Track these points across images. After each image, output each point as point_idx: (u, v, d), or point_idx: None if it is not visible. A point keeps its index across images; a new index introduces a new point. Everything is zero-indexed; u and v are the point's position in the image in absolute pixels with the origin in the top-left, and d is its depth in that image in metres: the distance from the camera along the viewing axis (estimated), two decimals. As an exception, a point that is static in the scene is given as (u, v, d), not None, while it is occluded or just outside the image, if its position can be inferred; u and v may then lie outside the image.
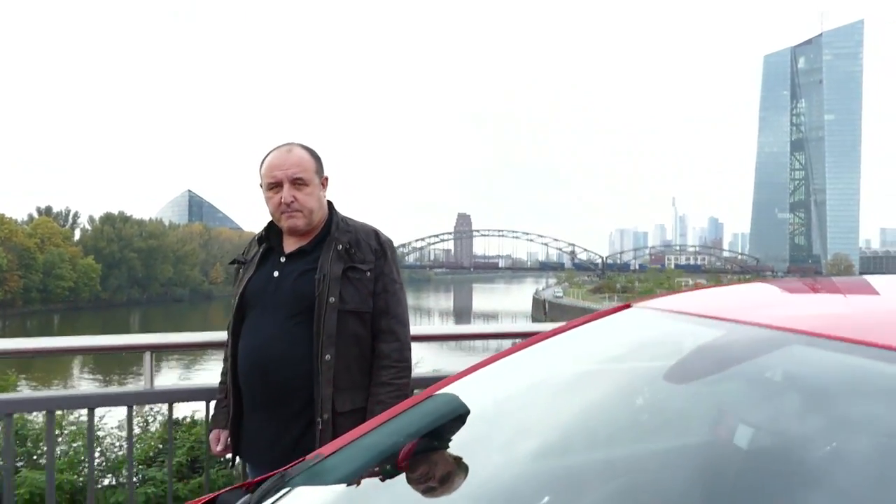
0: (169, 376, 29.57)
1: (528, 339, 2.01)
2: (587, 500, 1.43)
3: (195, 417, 5.98)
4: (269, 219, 2.54)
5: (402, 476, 1.61)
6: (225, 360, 2.58)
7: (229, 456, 2.63)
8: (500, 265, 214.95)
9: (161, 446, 5.57)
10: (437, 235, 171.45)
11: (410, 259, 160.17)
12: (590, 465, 1.57)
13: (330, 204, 2.57)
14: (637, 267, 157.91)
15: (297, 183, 2.43)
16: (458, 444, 1.70)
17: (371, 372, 2.44)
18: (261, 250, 2.54)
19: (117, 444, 5.50)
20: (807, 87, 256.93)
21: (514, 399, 1.90)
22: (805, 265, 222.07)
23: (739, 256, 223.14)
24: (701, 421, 1.54)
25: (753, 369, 1.49)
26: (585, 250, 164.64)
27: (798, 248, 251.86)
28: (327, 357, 2.33)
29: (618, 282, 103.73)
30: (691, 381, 1.61)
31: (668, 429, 1.58)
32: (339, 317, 2.36)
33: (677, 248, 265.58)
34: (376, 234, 2.55)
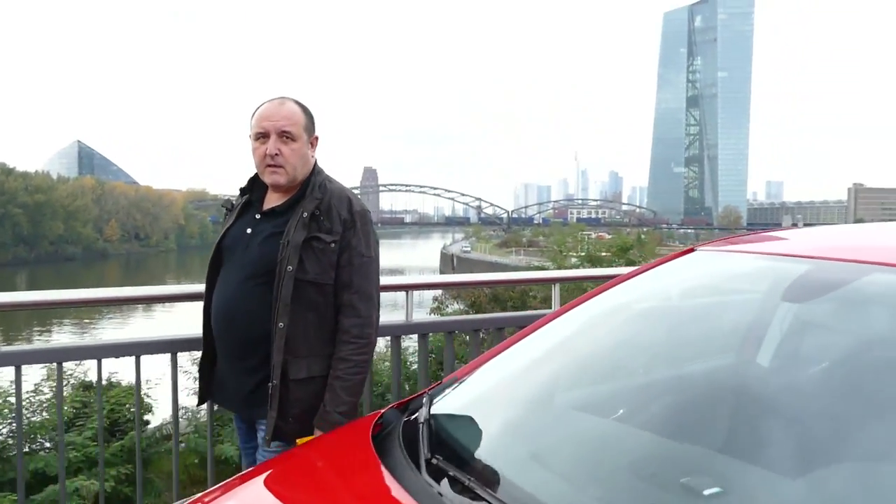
0: (60, 336, 28.25)
1: (605, 282, 2.26)
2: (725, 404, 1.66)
3: (112, 380, 5.84)
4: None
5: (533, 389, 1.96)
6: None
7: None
8: (406, 220, 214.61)
9: (76, 410, 5.41)
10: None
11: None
12: (724, 371, 1.85)
13: (316, 165, 2.50)
14: (541, 221, 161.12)
15: (285, 136, 2.38)
16: (577, 363, 2.02)
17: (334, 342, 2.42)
18: (242, 201, 2.50)
19: (30, 408, 5.32)
20: (702, 45, 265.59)
21: (623, 328, 2.15)
22: (698, 217, 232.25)
23: (638, 209, 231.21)
24: (795, 319, 1.80)
25: (842, 294, 1.70)
26: (491, 205, 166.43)
27: (692, 200, 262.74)
28: (280, 325, 2.31)
29: (524, 236, 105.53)
30: (794, 301, 1.84)
31: (788, 342, 1.80)
32: (295, 286, 2.31)
33: (579, 201, 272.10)
34: (349, 202, 2.44)
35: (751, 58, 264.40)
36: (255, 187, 2.51)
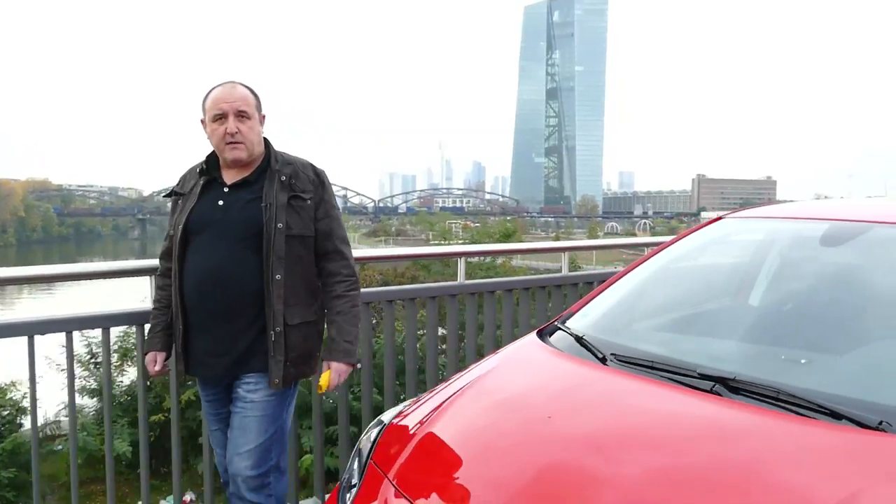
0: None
1: (649, 249, 3.26)
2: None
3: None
4: (207, 152, 2.71)
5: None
6: (162, 288, 2.77)
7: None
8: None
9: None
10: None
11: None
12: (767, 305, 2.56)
13: (266, 140, 2.74)
14: (406, 210, 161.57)
15: (242, 116, 2.61)
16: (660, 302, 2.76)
17: (322, 289, 2.74)
18: (202, 182, 2.68)
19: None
20: (561, 39, 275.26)
21: (692, 275, 2.93)
22: (557, 206, 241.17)
23: (501, 198, 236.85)
24: (830, 258, 2.48)
25: (854, 241, 2.41)
26: (357, 194, 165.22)
27: (552, 190, 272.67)
28: (277, 276, 2.56)
29: (392, 225, 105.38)
30: (829, 246, 2.48)
31: (820, 262, 2.53)
32: (286, 240, 2.58)
33: (444, 191, 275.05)
34: (312, 166, 2.76)
35: (605, 53, 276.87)
36: (209, 167, 2.70)
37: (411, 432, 2.11)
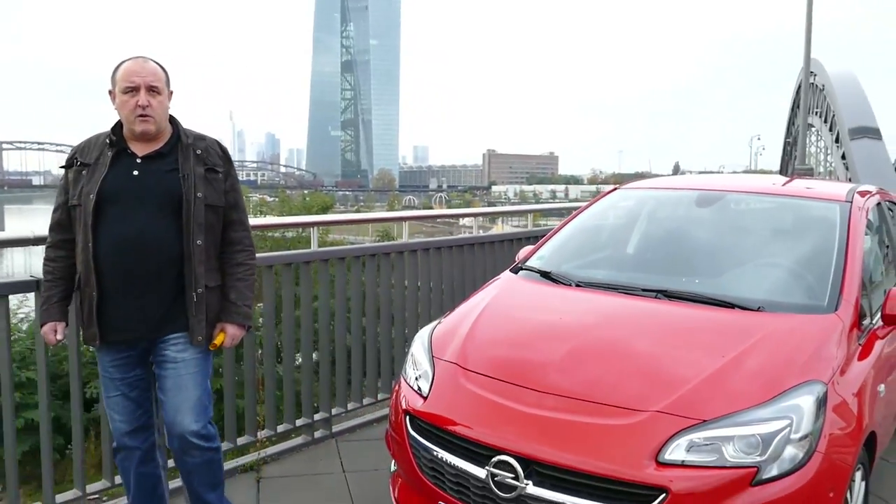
0: None
1: (570, 212, 4.42)
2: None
3: None
4: (111, 124, 2.75)
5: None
6: (55, 260, 2.77)
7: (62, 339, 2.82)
8: (34, 183, 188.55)
9: None
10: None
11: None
12: (676, 234, 3.74)
13: (172, 115, 2.84)
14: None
15: (152, 90, 2.69)
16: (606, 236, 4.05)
17: (222, 256, 2.87)
18: (110, 153, 2.71)
19: None
20: (355, 11, 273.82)
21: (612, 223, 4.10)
22: (354, 179, 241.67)
23: (297, 172, 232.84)
24: (704, 214, 3.72)
25: (715, 203, 3.74)
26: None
27: (349, 163, 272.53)
28: (198, 242, 2.72)
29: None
30: (701, 207, 3.75)
31: (697, 218, 3.75)
32: (204, 209, 2.74)
33: (236, 163, 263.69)
34: (219, 143, 2.92)
35: (399, 28, 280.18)
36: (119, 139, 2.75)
37: (457, 334, 3.01)
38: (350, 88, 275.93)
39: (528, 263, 3.63)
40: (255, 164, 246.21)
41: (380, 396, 4.60)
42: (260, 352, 4.05)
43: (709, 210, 3.72)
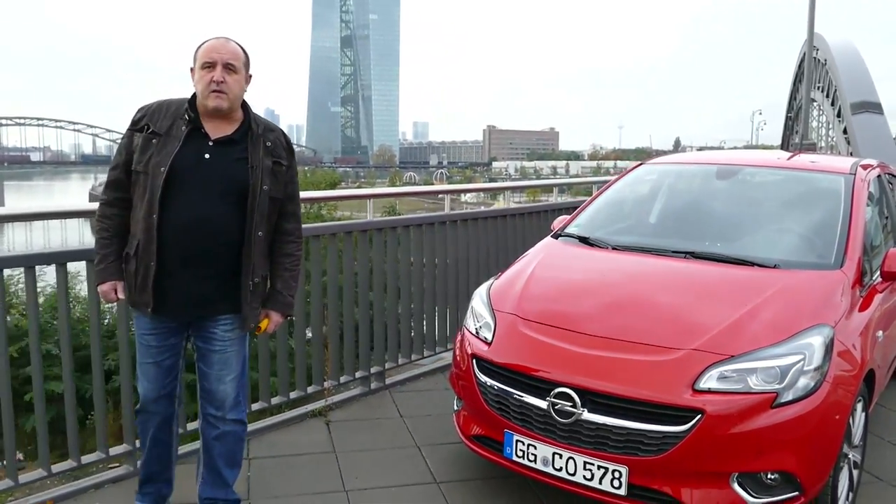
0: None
1: (602, 185, 4.84)
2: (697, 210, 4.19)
3: None
4: (187, 99, 2.79)
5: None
6: (110, 217, 2.79)
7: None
8: (33, 159, 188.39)
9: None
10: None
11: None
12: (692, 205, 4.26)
13: (245, 101, 2.87)
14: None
15: (229, 68, 2.74)
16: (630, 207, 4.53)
17: (273, 245, 2.91)
18: (186, 129, 2.74)
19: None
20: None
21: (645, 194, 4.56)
22: (354, 156, 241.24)
23: (297, 148, 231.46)
24: (723, 186, 4.25)
25: (733, 176, 4.29)
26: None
27: (349, 139, 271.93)
28: (259, 234, 2.79)
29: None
30: (721, 179, 4.28)
31: (717, 189, 4.25)
32: (268, 202, 2.81)
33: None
34: (284, 134, 2.98)
35: (399, 2, 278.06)
36: (196, 116, 2.79)
37: (513, 290, 3.48)
38: (350, 64, 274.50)
39: (567, 231, 4.09)
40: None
41: (425, 353, 5.08)
42: (326, 312, 4.50)
43: (727, 182, 4.20)
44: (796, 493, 2.75)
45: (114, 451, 3.53)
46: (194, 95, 2.78)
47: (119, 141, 2.89)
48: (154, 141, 2.72)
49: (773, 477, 2.73)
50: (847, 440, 3.01)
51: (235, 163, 2.77)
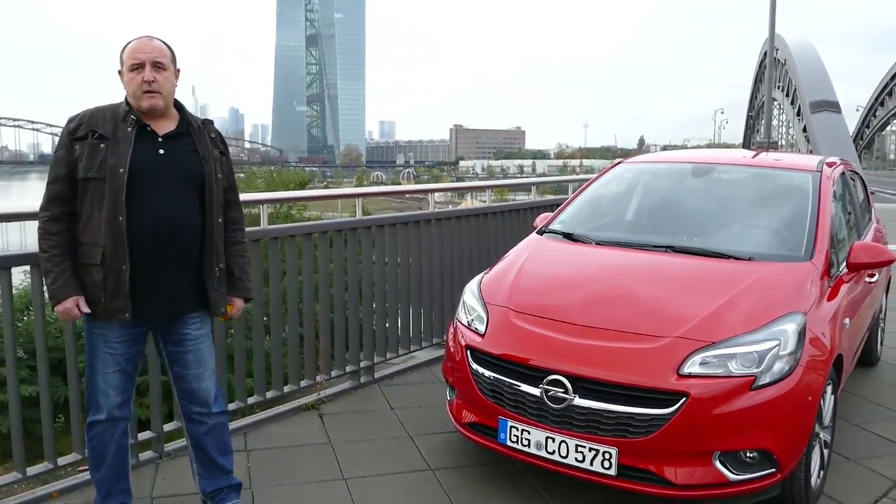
0: None
1: (582, 183, 5.04)
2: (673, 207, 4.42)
3: None
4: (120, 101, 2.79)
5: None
6: (58, 234, 2.71)
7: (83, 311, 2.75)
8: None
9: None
10: None
11: None
12: (669, 201, 4.48)
13: (175, 98, 2.90)
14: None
15: (158, 66, 2.75)
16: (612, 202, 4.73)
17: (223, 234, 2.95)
18: (133, 130, 2.73)
19: None
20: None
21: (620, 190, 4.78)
22: (320, 155, 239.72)
23: (262, 147, 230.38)
24: (698, 184, 4.48)
25: (708, 174, 4.53)
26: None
27: (315, 139, 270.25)
28: (219, 220, 2.89)
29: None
30: (696, 177, 4.51)
31: (692, 186, 4.48)
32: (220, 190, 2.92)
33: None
34: (213, 124, 3.04)
35: (364, 1, 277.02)
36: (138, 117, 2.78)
37: (504, 284, 3.64)
38: (315, 63, 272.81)
39: (552, 227, 4.26)
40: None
41: (412, 348, 5.22)
42: (317, 307, 4.62)
43: (703, 180, 4.41)
44: (773, 469, 2.94)
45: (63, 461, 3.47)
46: (126, 99, 2.78)
47: (54, 154, 2.82)
48: (102, 146, 2.69)
49: (752, 455, 2.93)
50: (819, 421, 3.21)
51: (189, 155, 2.83)
